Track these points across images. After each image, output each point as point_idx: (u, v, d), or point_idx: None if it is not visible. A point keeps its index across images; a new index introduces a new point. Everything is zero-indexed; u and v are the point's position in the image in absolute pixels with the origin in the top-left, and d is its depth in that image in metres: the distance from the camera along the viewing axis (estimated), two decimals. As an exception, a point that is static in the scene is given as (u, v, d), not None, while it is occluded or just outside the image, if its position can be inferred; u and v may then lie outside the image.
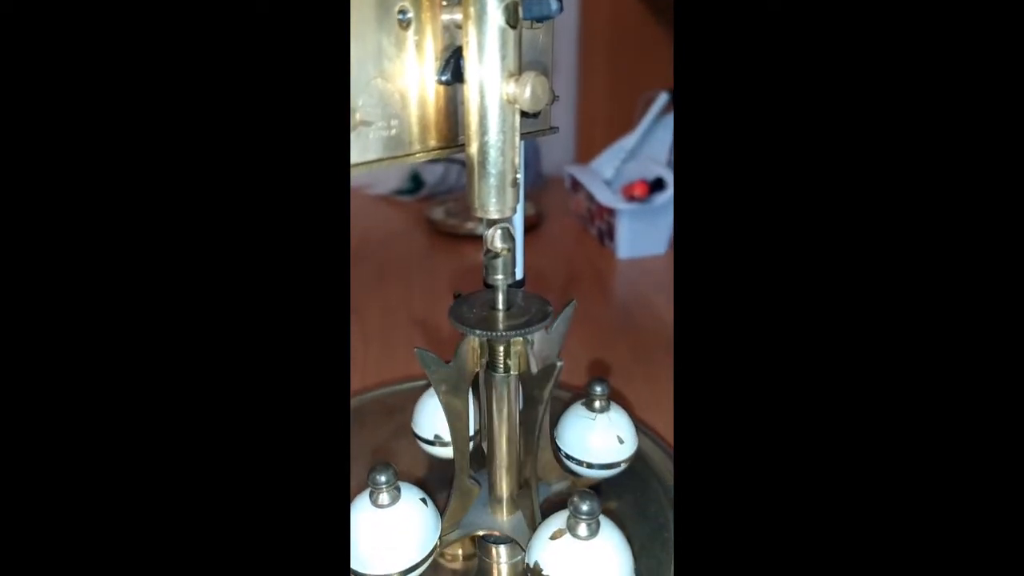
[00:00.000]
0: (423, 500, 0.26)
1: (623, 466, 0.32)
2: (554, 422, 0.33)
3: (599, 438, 0.32)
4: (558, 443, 0.33)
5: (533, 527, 0.28)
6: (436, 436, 0.33)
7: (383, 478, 0.25)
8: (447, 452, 0.33)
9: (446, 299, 0.27)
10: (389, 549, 0.25)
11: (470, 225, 0.83)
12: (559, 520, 0.25)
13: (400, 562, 0.25)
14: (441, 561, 0.30)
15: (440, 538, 0.27)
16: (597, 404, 0.32)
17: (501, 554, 0.30)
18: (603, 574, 0.23)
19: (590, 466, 0.32)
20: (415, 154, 0.22)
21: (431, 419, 0.33)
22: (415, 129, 0.22)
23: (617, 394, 0.46)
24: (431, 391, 0.34)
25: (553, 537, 0.24)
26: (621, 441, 0.32)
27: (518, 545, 0.30)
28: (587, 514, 0.23)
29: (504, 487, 0.29)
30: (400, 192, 1.00)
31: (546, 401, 0.26)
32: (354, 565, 0.25)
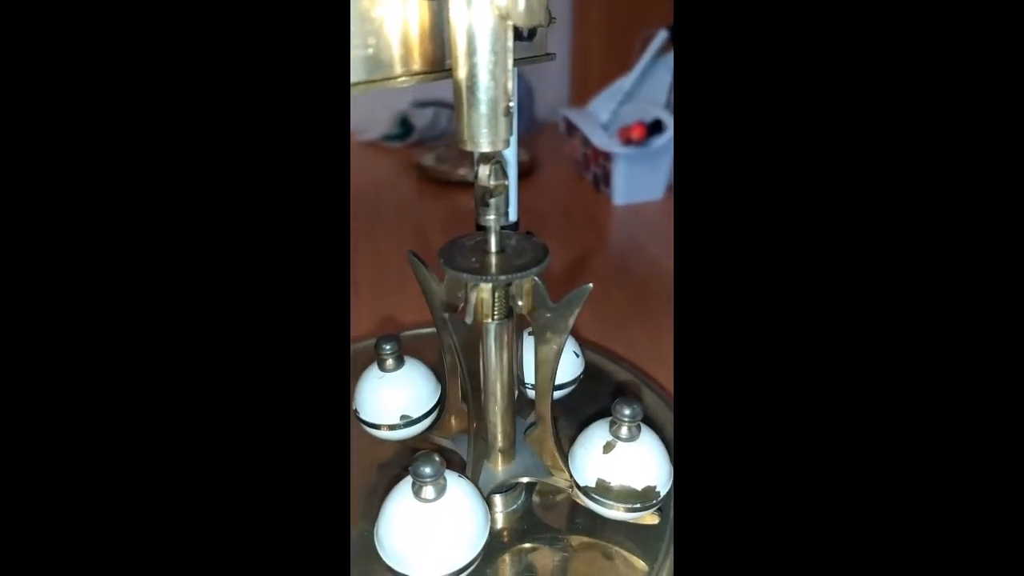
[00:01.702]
0: (460, 476, 0.24)
1: (580, 379, 0.34)
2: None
3: (562, 359, 0.32)
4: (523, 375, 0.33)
5: (555, 461, 0.28)
6: (403, 416, 0.30)
7: (428, 470, 0.21)
8: (404, 434, 0.31)
9: (437, 247, 0.25)
10: (440, 548, 0.22)
11: (462, 171, 0.80)
12: (597, 436, 0.26)
13: (454, 561, 0.22)
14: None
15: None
16: None
17: (497, 503, 0.30)
18: (657, 466, 0.25)
19: (555, 387, 0.31)
20: (397, 78, 0.19)
21: (388, 400, 0.30)
22: (396, 50, 0.19)
23: (615, 343, 0.45)
24: (373, 371, 0.30)
25: (607, 450, 0.25)
26: (577, 356, 0.33)
27: (515, 491, 0.30)
28: (631, 417, 0.25)
29: (502, 436, 0.28)
30: (389, 137, 0.97)
31: (570, 329, 0.25)
32: (399, 567, 0.22)
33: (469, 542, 0.23)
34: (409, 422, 0.30)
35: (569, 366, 0.33)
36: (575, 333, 0.34)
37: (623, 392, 0.38)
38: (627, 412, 0.25)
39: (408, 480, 0.23)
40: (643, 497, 0.25)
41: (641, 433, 0.25)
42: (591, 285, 0.24)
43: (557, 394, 0.33)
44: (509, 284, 0.25)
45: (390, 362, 0.30)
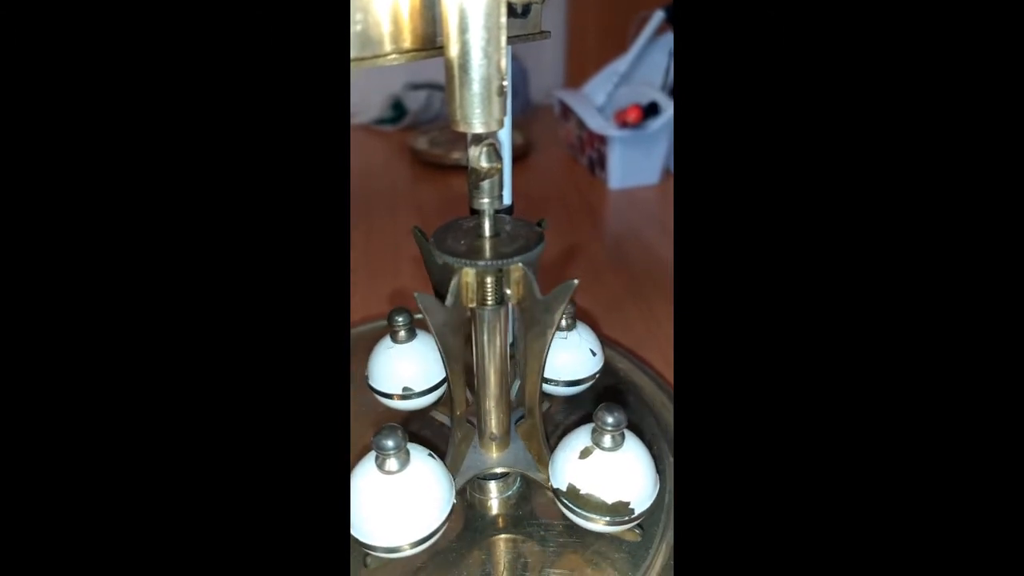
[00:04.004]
0: (431, 455, 0.24)
1: (596, 377, 0.33)
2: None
3: (573, 355, 0.32)
4: None
5: (541, 456, 0.28)
6: (405, 388, 0.31)
7: (391, 443, 0.22)
8: (414, 404, 0.31)
9: (431, 232, 0.25)
10: (404, 518, 0.22)
11: (456, 155, 0.79)
12: (580, 439, 0.25)
13: (417, 531, 0.23)
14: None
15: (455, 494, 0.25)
16: (565, 323, 0.32)
17: (492, 489, 0.30)
18: (635, 482, 0.24)
19: (568, 384, 0.32)
20: (387, 55, 0.19)
21: (394, 371, 0.31)
22: (386, 26, 0.19)
23: (610, 329, 0.45)
24: (386, 342, 0.31)
25: (583, 456, 0.24)
26: (594, 354, 0.32)
27: (510, 478, 0.30)
28: (613, 426, 0.23)
29: (495, 424, 0.28)
30: (381, 121, 0.96)
31: (557, 324, 0.25)
32: (361, 537, 0.22)
33: (430, 514, 0.23)
34: (411, 395, 0.31)
35: (582, 363, 0.32)
36: (596, 329, 0.33)
37: (616, 392, 0.36)
38: (610, 420, 0.23)
39: (373, 453, 0.23)
40: (613, 511, 0.24)
41: (625, 443, 0.24)
42: (576, 281, 0.23)
43: (570, 391, 0.32)
44: (500, 271, 0.24)
45: (402, 334, 0.31)
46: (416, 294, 0.23)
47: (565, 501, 0.24)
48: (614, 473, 0.24)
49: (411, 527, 0.23)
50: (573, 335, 0.32)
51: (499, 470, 0.28)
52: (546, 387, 0.32)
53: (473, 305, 0.25)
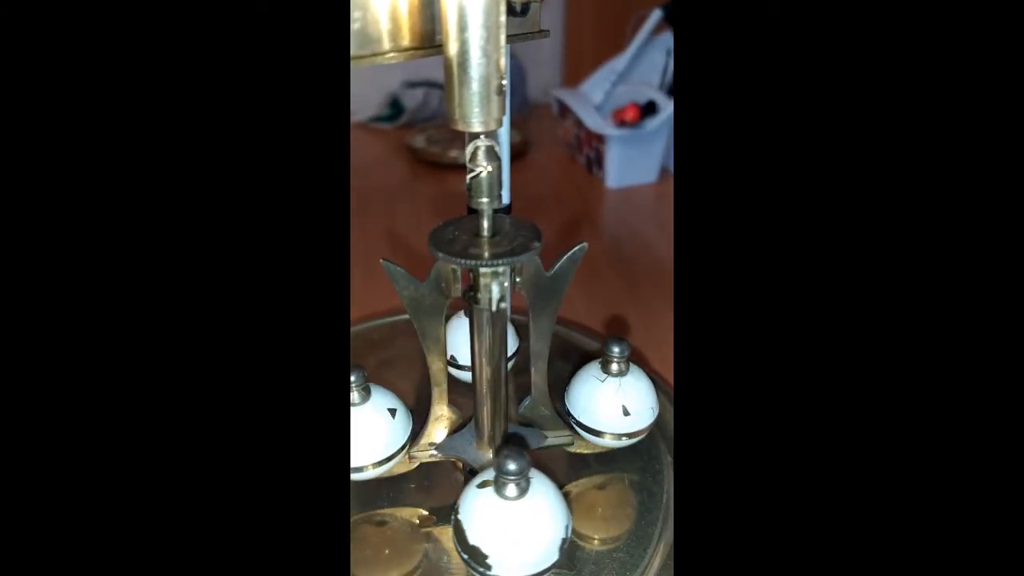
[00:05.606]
0: (391, 411, 0.27)
1: (625, 441, 0.29)
2: (572, 373, 0.30)
3: (602, 403, 0.28)
4: (565, 399, 0.30)
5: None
6: (452, 357, 0.34)
7: (351, 378, 0.26)
8: (462, 375, 0.33)
9: (429, 230, 0.25)
10: (357, 443, 0.26)
11: (454, 153, 0.79)
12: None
13: (355, 460, 0.26)
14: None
15: (409, 450, 0.28)
16: (614, 367, 0.28)
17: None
18: (504, 538, 0.21)
19: (589, 431, 0.29)
20: (386, 54, 0.19)
21: (449, 340, 0.32)
22: (384, 24, 0.19)
23: (609, 328, 0.45)
24: (459, 313, 0.34)
25: (481, 487, 0.22)
26: (626, 413, 0.28)
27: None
28: (514, 474, 0.21)
29: (485, 422, 0.28)
30: (378, 119, 0.95)
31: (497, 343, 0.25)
32: None
33: (374, 449, 0.26)
34: (455, 365, 0.34)
35: (607, 417, 0.28)
36: (652, 372, 0.32)
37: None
38: (510, 467, 0.21)
39: None
40: (471, 552, 0.22)
41: (525, 496, 0.22)
42: (505, 306, 0.23)
43: (601, 441, 0.29)
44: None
45: (466, 308, 0.32)
46: (382, 260, 0.24)
47: (451, 519, 0.23)
48: (485, 517, 0.22)
49: (363, 452, 0.26)
50: (612, 382, 0.28)
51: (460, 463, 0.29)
52: (571, 423, 0.30)
53: (450, 297, 0.25)
